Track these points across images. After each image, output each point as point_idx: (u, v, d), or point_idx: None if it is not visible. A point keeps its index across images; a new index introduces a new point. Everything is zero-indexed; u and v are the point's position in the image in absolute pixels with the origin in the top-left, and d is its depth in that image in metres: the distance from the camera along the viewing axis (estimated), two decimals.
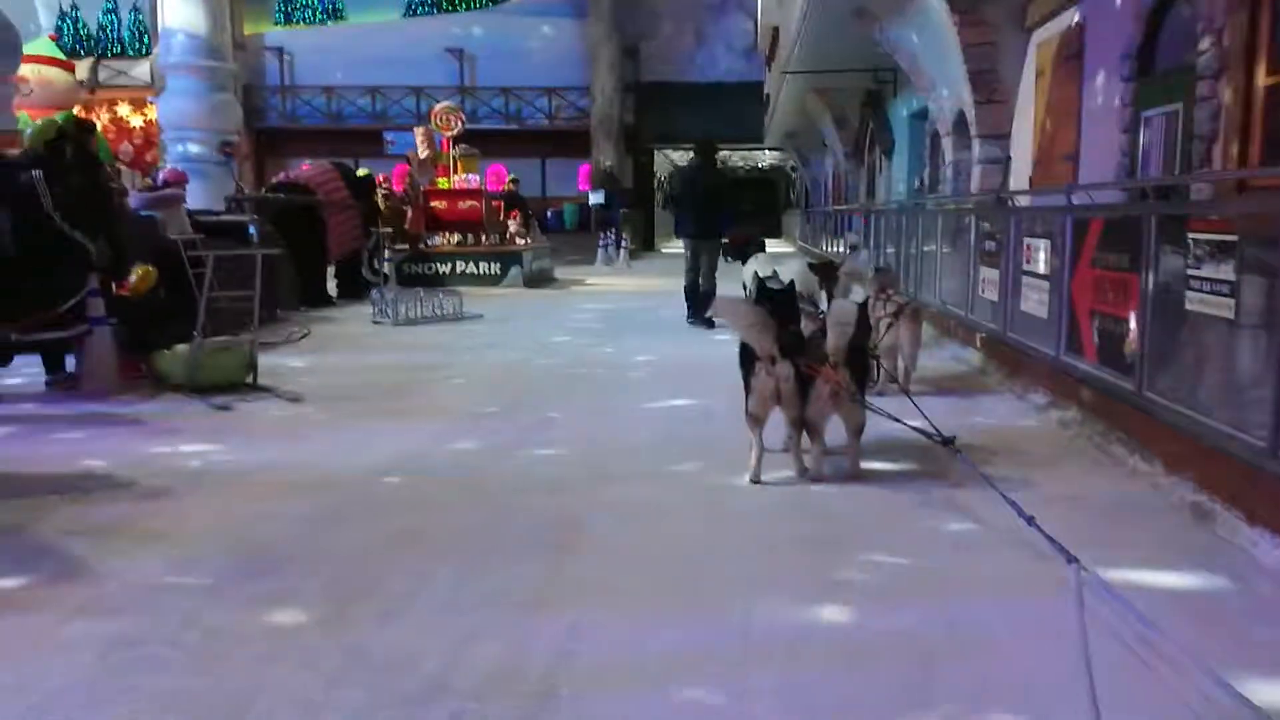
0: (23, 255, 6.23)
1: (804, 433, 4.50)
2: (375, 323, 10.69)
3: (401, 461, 4.94)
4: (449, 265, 15.46)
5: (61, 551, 3.64)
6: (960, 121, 9.83)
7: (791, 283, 5.41)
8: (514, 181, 19.75)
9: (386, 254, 14.33)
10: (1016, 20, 8.60)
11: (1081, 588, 2.35)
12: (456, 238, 16.14)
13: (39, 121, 6.97)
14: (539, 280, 16.25)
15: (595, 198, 23.47)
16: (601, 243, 22.07)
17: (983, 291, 7.85)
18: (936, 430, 4.34)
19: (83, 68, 26.35)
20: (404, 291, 11.54)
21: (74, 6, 26.91)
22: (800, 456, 4.51)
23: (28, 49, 17.21)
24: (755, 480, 4.41)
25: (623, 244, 22.31)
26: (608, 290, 15.63)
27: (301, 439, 5.44)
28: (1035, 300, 6.54)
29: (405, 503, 4.26)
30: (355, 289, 13.31)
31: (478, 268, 15.53)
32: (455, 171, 16.78)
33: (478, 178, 17.06)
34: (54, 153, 6.54)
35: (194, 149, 20.10)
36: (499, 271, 15.50)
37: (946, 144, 10.76)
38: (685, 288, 10.58)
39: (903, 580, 3.28)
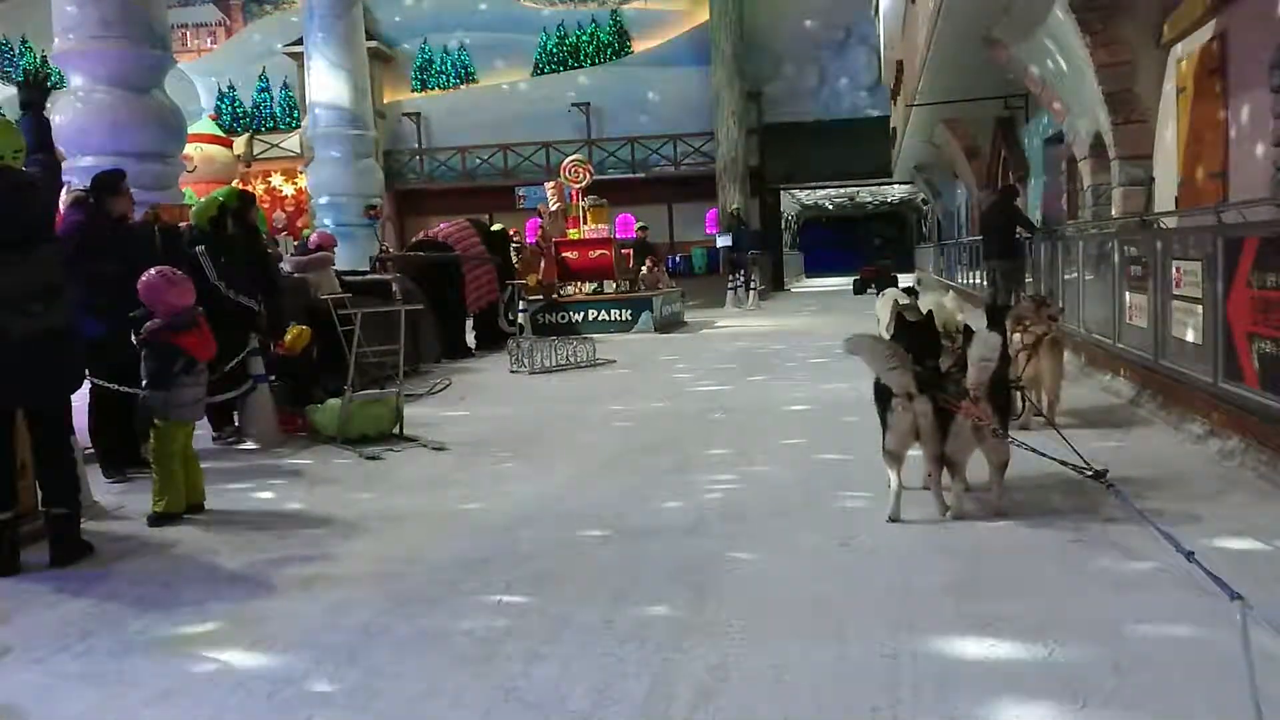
0: None
1: (945, 469, 4.41)
2: (513, 372, 10.99)
3: (541, 507, 5.07)
4: (582, 313, 15.78)
5: (231, 595, 3.88)
6: (1098, 144, 9.50)
7: (929, 314, 5.33)
8: (643, 229, 20.07)
9: (521, 305, 14.77)
10: (1152, 37, 8.30)
11: (1247, 625, 2.23)
12: (588, 286, 16.47)
13: (202, 200, 7.53)
14: (670, 325, 16.39)
15: (723, 240, 23.55)
16: (731, 285, 22.13)
17: (1130, 318, 7.53)
18: (1086, 464, 4.19)
19: (240, 143, 28.23)
20: (539, 340, 11.85)
21: (231, 87, 28.89)
22: (941, 494, 4.41)
23: (192, 129, 18.57)
24: (895, 519, 4.34)
25: (752, 285, 22.32)
26: (739, 332, 15.64)
27: (446, 486, 5.64)
28: (1188, 325, 6.23)
29: (546, 546, 4.37)
30: (493, 339, 13.72)
31: (609, 315, 15.79)
32: (585, 222, 17.18)
33: (607, 227, 17.41)
34: (216, 227, 7.06)
35: (341, 213, 21.22)
36: (630, 318, 15.72)
37: (1084, 167, 10.42)
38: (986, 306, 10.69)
39: (1058, 619, 3.16)
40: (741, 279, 22.24)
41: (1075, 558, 3.78)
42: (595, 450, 6.54)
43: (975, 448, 4.34)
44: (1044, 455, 4.35)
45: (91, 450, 6.01)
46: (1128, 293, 7.59)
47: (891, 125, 26.31)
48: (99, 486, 5.65)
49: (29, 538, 4.45)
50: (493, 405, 8.77)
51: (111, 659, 3.28)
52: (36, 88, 4.48)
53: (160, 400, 5.07)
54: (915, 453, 4.49)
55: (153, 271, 5.26)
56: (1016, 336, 6.40)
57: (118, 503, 5.43)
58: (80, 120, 12.54)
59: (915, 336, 5.09)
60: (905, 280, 21.28)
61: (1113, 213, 9.15)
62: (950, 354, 5.30)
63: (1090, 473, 4.15)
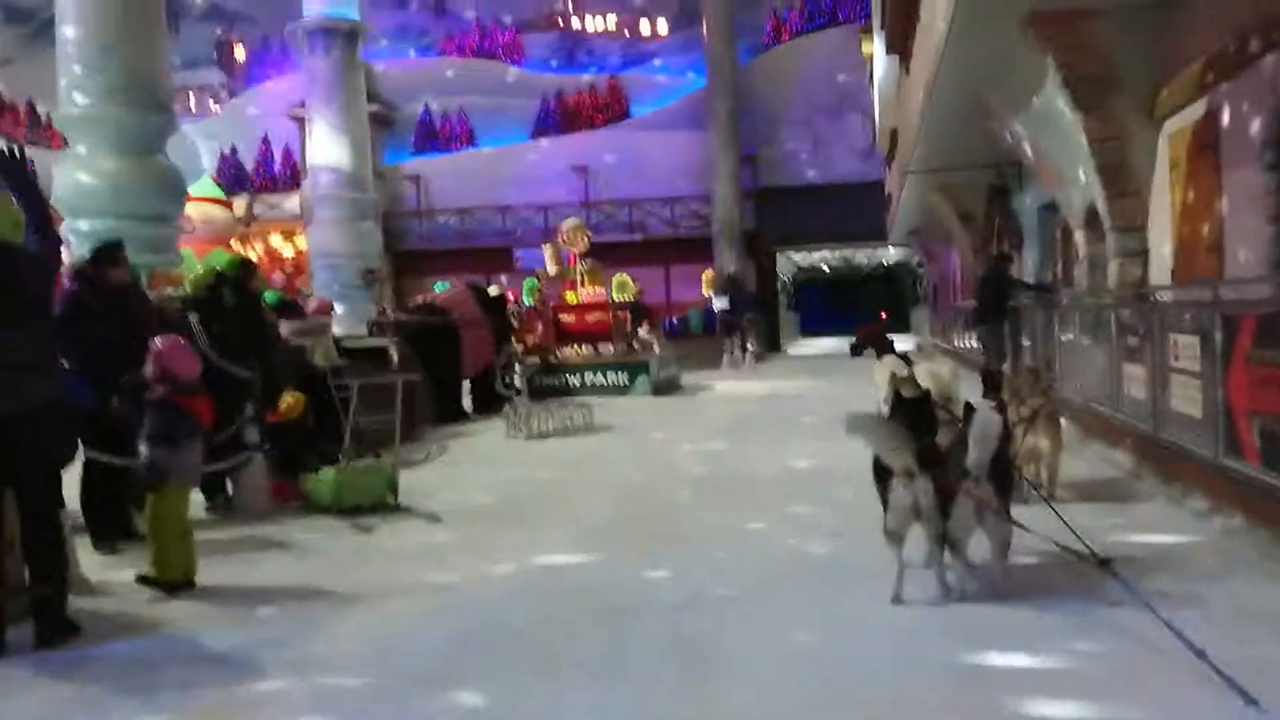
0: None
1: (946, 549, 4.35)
2: (509, 437, 10.93)
3: (533, 581, 5.00)
4: (579, 376, 15.76)
5: (218, 678, 3.79)
6: (1092, 214, 9.58)
7: (926, 392, 5.32)
8: (639, 292, 20.13)
9: (517, 368, 14.75)
10: (1145, 112, 8.42)
11: None
12: (585, 349, 16.48)
13: (198, 269, 7.53)
14: (666, 387, 16.36)
15: (719, 302, 23.65)
16: (727, 347, 22.16)
17: (1129, 389, 7.52)
18: (1091, 550, 4.14)
19: (240, 204, 28.42)
20: (535, 405, 11.80)
21: (233, 150, 29.20)
22: (944, 575, 4.35)
23: (192, 189, 18.69)
24: (897, 599, 4.27)
25: (748, 347, 22.35)
26: (734, 395, 15.61)
27: (439, 559, 5.55)
28: (1188, 399, 6.22)
29: (539, 623, 4.29)
30: (489, 403, 13.68)
31: (606, 378, 15.77)
32: (582, 285, 17.24)
33: (605, 290, 17.47)
34: (213, 295, 7.06)
35: (340, 275, 21.31)
36: (627, 381, 15.70)
37: (1079, 238, 10.49)
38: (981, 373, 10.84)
39: (1062, 714, 3.09)
40: (738, 341, 22.28)
41: (1080, 645, 3.70)
42: (590, 519, 6.47)
43: (977, 527, 4.29)
44: (1049, 541, 4.30)
45: (81, 521, 5.93)
46: (1125, 363, 7.59)
47: (886, 190, 26.61)
48: (87, 558, 5.56)
49: (14, 616, 4.35)
50: (488, 472, 8.70)
51: None
52: (10, 163, 4.38)
53: (166, 459, 5.03)
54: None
55: (169, 338, 5.30)
56: (1013, 409, 6.37)
57: (106, 577, 5.33)
58: (82, 183, 12.66)
59: (912, 413, 5.08)
60: (901, 342, 21.33)
61: (1109, 283, 9.19)
62: (949, 427, 5.28)
63: (1095, 560, 4.09)
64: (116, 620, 4.63)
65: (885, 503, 4.34)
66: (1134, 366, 7.37)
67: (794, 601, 4.45)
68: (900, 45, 16.15)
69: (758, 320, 24.71)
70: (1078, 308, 9.65)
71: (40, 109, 30.24)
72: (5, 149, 4.42)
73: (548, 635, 4.14)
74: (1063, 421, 6.93)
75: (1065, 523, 4.44)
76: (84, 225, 12.55)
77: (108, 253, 6.15)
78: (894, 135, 21.64)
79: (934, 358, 10.14)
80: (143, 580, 4.97)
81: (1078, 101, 8.52)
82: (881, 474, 4.39)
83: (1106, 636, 3.76)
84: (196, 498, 7.12)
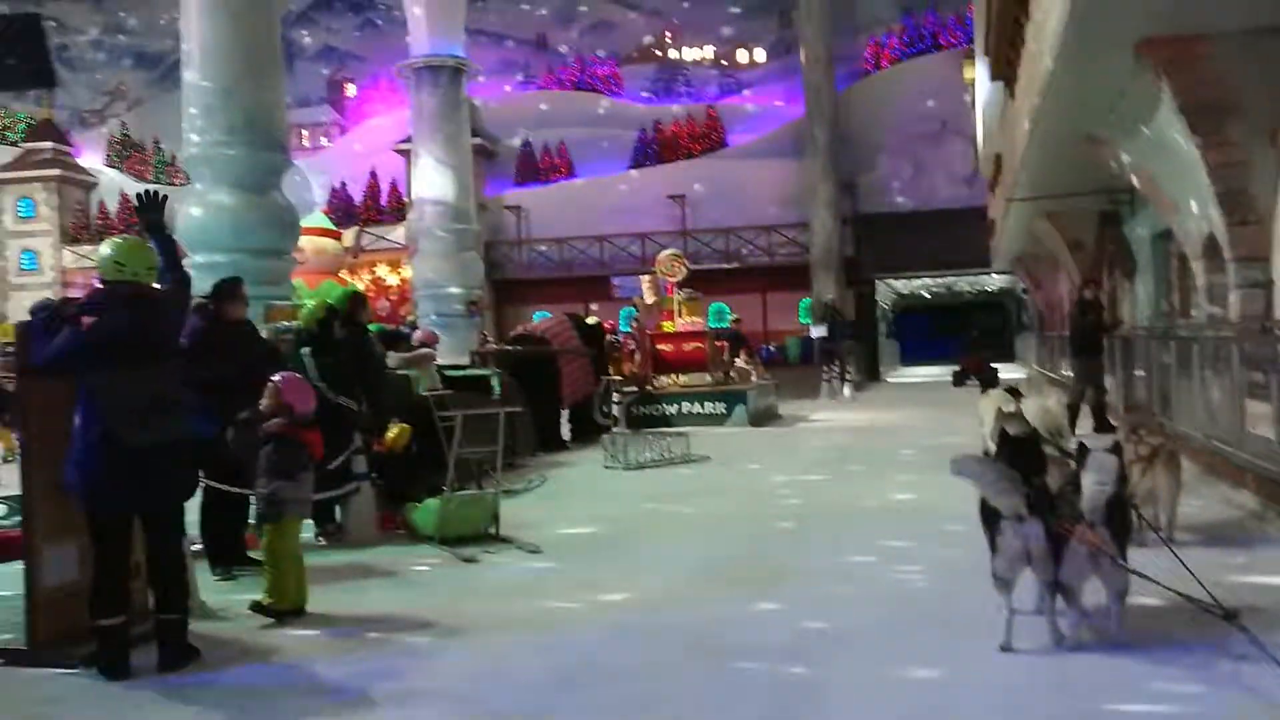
0: None
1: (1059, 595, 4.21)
2: (607, 467, 10.98)
3: (632, 619, 5.00)
4: (676, 406, 15.77)
5: (328, 709, 3.89)
6: (1211, 244, 9.21)
7: (1034, 431, 5.17)
8: (736, 320, 20.10)
9: (615, 397, 14.85)
10: (1266, 137, 8.07)
11: None
12: (683, 378, 16.50)
13: (309, 300, 7.81)
14: (764, 417, 16.26)
15: (817, 330, 23.44)
16: (825, 376, 21.92)
17: (1253, 427, 7.17)
18: (1214, 599, 3.95)
19: (349, 235, 29.42)
20: (633, 436, 11.85)
21: (343, 184, 30.26)
22: (1055, 622, 4.20)
23: (305, 222, 19.39)
24: (1006, 648, 4.14)
25: (847, 377, 22.07)
26: (834, 426, 15.41)
27: (539, 593, 5.59)
28: None
29: (638, 662, 4.29)
30: (588, 432, 13.79)
31: (703, 407, 15.74)
32: (679, 314, 17.29)
33: (702, 320, 17.49)
34: (324, 328, 7.32)
35: (443, 304, 21.83)
36: (724, 411, 15.65)
37: (1197, 268, 10.09)
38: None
39: None
40: (836, 370, 22.02)
41: (1206, 705, 3.53)
42: (688, 552, 6.45)
43: (1092, 574, 4.14)
44: (1168, 589, 4.12)
45: (200, 547, 6.18)
46: (1249, 399, 7.25)
47: (989, 216, 26.04)
48: (205, 584, 5.78)
49: (138, 639, 4.55)
50: (586, 502, 8.76)
51: None
52: (152, 208, 4.70)
53: (281, 494, 5.22)
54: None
55: (291, 374, 5.52)
56: (1130, 447, 6.14)
57: (224, 602, 5.54)
58: (204, 219, 13.22)
59: (1021, 451, 4.94)
60: (1007, 371, 20.76)
61: (1230, 315, 8.80)
62: (1060, 466, 5.11)
63: (1220, 612, 3.91)
64: (233, 645, 4.80)
65: (994, 546, 4.23)
66: (1258, 403, 7.03)
67: (899, 644, 4.35)
68: (1005, 71, 15.83)
69: (857, 349, 24.41)
70: (1196, 340, 9.27)
71: (164, 147, 31.86)
72: (145, 192, 4.71)
73: (647, 675, 4.13)
74: (1183, 460, 6.65)
75: (1188, 569, 4.25)
76: (202, 259, 13.11)
77: (228, 288, 6.43)
78: (998, 161, 21.19)
79: (1042, 390, 9.87)
80: (256, 607, 5.15)
81: (1194, 128, 8.23)
82: (990, 516, 4.27)
83: (1229, 693, 3.58)
84: (307, 524, 7.37)
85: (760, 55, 35.15)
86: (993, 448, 5.84)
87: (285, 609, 5.17)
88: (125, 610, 4.39)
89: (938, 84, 30.61)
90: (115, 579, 4.38)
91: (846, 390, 21.66)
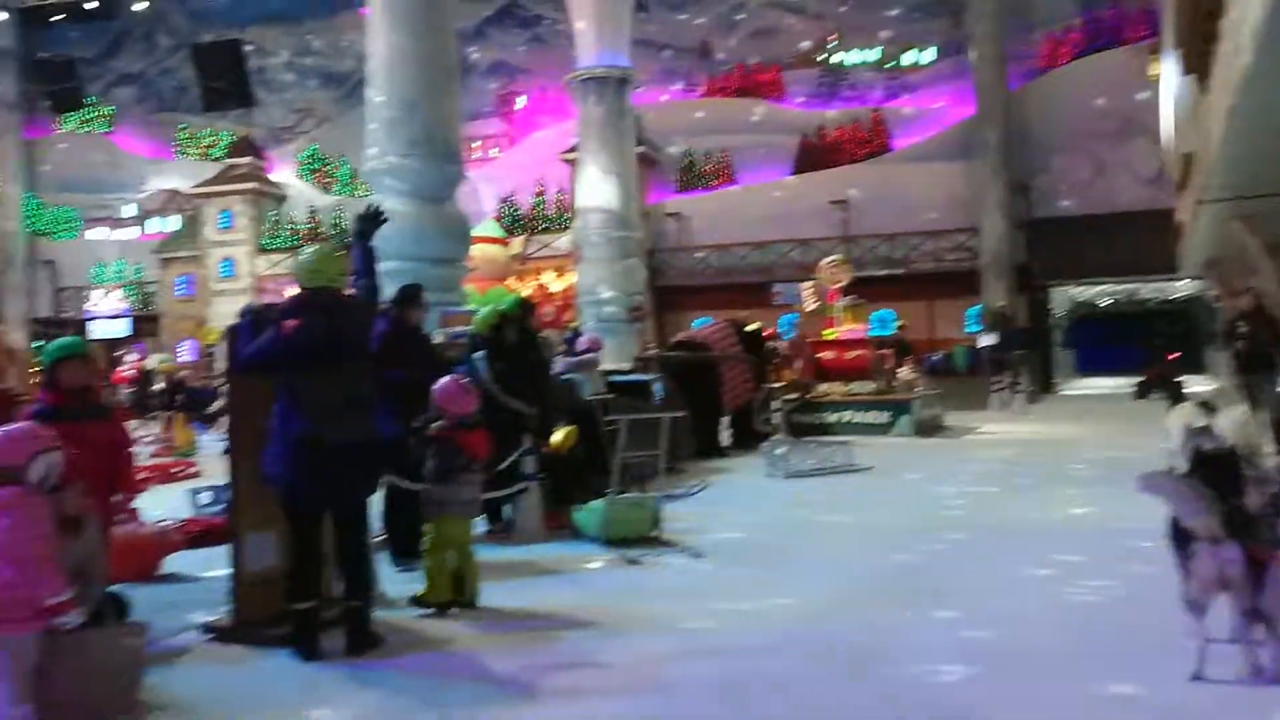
0: None
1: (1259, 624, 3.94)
2: (768, 475, 10.94)
3: (794, 629, 4.97)
4: (837, 414, 15.54)
5: (500, 700, 4.05)
6: None
7: (1231, 447, 4.86)
8: (902, 327, 19.63)
9: (775, 405, 14.76)
10: None
11: None
12: (844, 386, 16.24)
13: (481, 306, 8.12)
14: (929, 428, 15.81)
15: (987, 339, 22.59)
16: (995, 387, 21.11)
17: None
18: None
19: (516, 243, 30.37)
20: (794, 443, 11.76)
21: (512, 192, 31.24)
22: (1254, 652, 3.94)
23: (475, 231, 20.16)
24: (1198, 676, 3.91)
25: (1019, 388, 21.18)
26: (1004, 439, 14.82)
27: (701, 597, 5.63)
28: None
29: (802, 673, 4.27)
30: (747, 439, 13.76)
31: (866, 416, 15.45)
32: (842, 321, 17.04)
33: (865, 327, 17.18)
34: (497, 334, 7.60)
35: (606, 310, 22.26)
36: (888, 420, 15.32)
37: None
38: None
39: None
40: (1007, 381, 21.17)
41: None
42: (852, 565, 6.37)
43: None
44: None
45: (383, 539, 6.52)
46: None
47: (1177, 219, 24.48)
48: (387, 575, 6.10)
49: (328, 624, 4.85)
50: (747, 509, 8.75)
51: None
52: (371, 220, 5.12)
53: (441, 495, 5.46)
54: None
55: (450, 379, 5.76)
56: None
57: (403, 592, 5.83)
58: (385, 229, 13.96)
59: (1215, 470, 4.64)
60: (1195, 384, 19.44)
61: None
62: (1259, 486, 4.78)
63: None
64: (411, 634, 5.05)
65: (1186, 569, 4.00)
66: None
67: (1079, 662, 4.17)
68: (1196, 64, 14.87)
69: (1029, 358, 23.39)
70: None
71: (347, 161, 33.68)
72: (371, 206, 5.14)
73: (812, 685, 4.11)
74: None
75: None
76: (381, 267, 13.85)
77: (411, 294, 6.76)
78: (1187, 160, 19.91)
79: (1236, 404, 9.21)
80: (415, 601, 5.40)
81: None
82: (1182, 537, 4.04)
83: None
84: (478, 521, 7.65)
85: (926, 56, 34.20)
86: (1180, 465, 5.51)
87: (439, 602, 5.41)
88: (316, 596, 4.70)
89: (1120, 80, 28.98)
90: (308, 566, 4.70)
91: (1018, 402, 20.80)
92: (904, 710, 3.78)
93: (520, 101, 35.98)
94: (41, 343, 18.25)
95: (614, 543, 7.01)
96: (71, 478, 4.01)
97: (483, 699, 4.06)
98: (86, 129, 36.42)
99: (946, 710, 3.76)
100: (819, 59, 35.33)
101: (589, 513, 7.33)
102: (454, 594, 5.45)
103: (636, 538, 7.13)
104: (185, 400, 16.95)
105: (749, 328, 15.24)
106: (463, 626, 5.18)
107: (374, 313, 5.16)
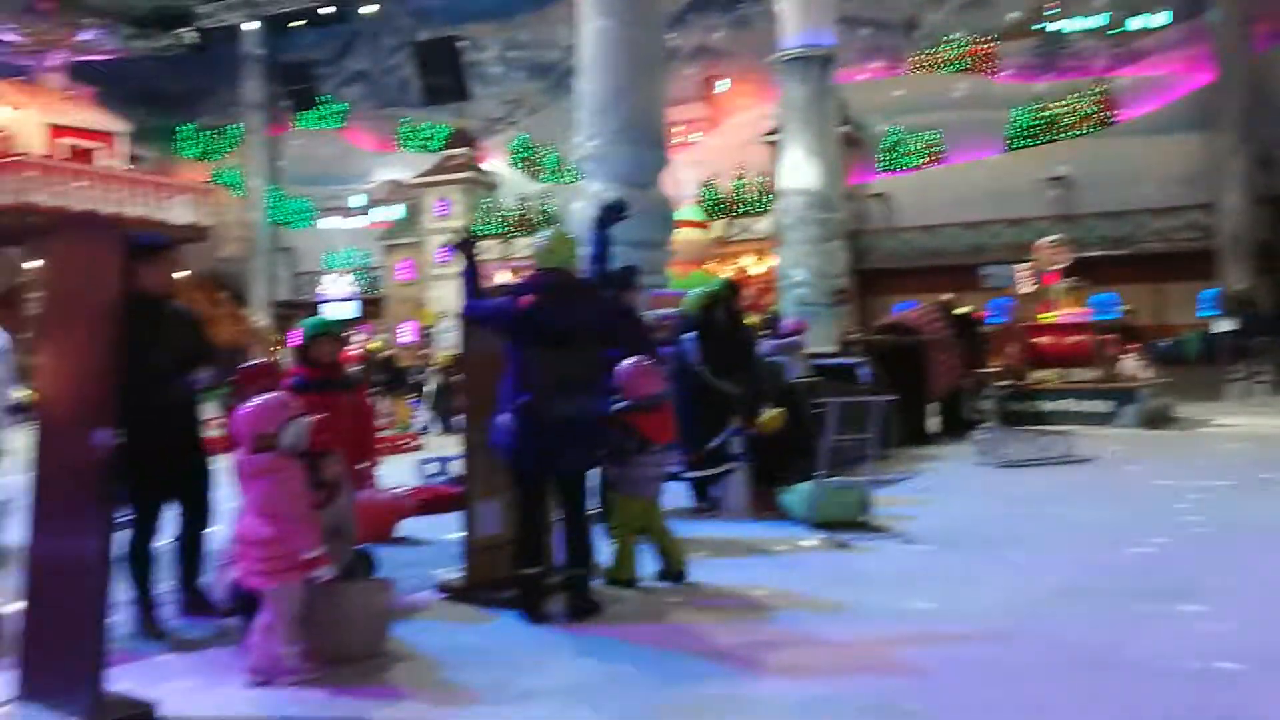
0: (680, 403, 7.45)
1: None
2: (978, 464, 10.57)
3: (1017, 621, 4.81)
4: (1054, 402, 14.78)
5: (719, 673, 4.15)
6: None
7: None
8: (1129, 311, 18.43)
9: (987, 391, 14.21)
10: None
11: None
12: (1062, 373, 15.42)
13: (694, 292, 8.25)
14: (1157, 419, 14.76)
15: (1225, 324, 20.85)
16: (1234, 376, 19.47)
17: None
18: None
19: (717, 226, 30.52)
20: (1007, 432, 11.30)
21: (712, 176, 31.39)
22: None
23: (677, 215, 20.41)
24: None
25: (1262, 378, 19.44)
26: (1241, 432, 13.64)
27: (912, 586, 5.52)
28: None
29: (1028, 669, 4.13)
30: (956, 427, 13.34)
31: (1086, 405, 14.61)
32: (1060, 305, 16.17)
33: (1086, 311, 16.23)
34: (706, 315, 7.71)
35: (807, 293, 22.02)
36: (1111, 410, 14.42)
37: None
38: None
39: None
40: (1247, 370, 19.48)
41: None
42: (1076, 558, 6.09)
43: None
44: None
45: (599, 512, 6.77)
46: None
47: None
48: (603, 548, 6.33)
49: (553, 589, 5.10)
50: (957, 498, 8.50)
51: (618, 716, 3.67)
52: (614, 211, 5.37)
53: (619, 475, 5.61)
54: None
55: (631, 360, 5.86)
56: None
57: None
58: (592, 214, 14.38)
59: None
60: None
61: None
62: None
63: None
64: (625, 605, 5.24)
65: None
66: None
67: None
68: None
69: (1273, 346, 21.43)
70: None
71: (555, 150, 34.80)
72: (618, 199, 5.41)
73: (1041, 685, 3.96)
74: None
75: None
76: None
77: (626, 277, 6.94)
78: None
79: None
80: (608, 581, 5.56)
81: None
82: None
83: None
84: (678, 499, 7.80)
85: (1158, 19, 31.70)
86: None
87: (624, 579, 5.56)
88: (541, 562, 4.96)
89: None
90: (533, 534, 4.97)
91: (1260, 393, 19.10)
92: (1163, 704, 3.60)
93: (721, 85, 36.00)
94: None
95: (822, 526, 6.99)
96: (329, 446, 4.40)
97: (702, 672, 4.17)
98: (321, 125, 39.24)
99: (1210, 706, 3.56)
100: (1035, 28, 33.44)
101: (796, 495, 7.33)
102: (668, 569, 5.61)
103: (845, 522, 7.08)
104: (390, 379, 17.86)
105: (959, 311, 14.73)
106: (677, 600, 5.32)
107: (603, 296, 5.37)
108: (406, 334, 32.13)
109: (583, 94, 15.16)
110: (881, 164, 31.86)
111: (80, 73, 30.08)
